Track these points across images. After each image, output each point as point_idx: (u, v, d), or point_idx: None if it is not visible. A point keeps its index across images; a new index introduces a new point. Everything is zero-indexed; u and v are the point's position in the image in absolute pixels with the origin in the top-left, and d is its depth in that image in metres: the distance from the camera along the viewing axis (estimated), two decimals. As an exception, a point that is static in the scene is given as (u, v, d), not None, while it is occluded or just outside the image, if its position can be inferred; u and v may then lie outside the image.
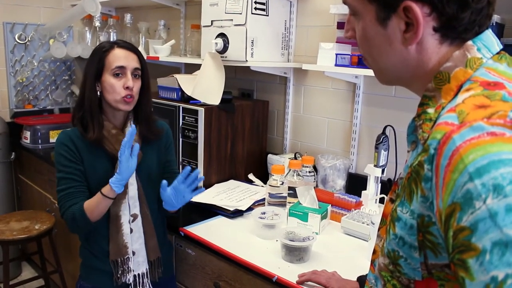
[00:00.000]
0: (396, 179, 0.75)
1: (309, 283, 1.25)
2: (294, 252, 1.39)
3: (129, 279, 1.47)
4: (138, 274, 1.49)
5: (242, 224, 1.69)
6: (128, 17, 2.91)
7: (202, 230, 1.62)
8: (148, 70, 1.49)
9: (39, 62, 3.16)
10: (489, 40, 0.64)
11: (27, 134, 2.90)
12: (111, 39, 2.97)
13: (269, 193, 1.75)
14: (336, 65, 1.78)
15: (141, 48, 2.71)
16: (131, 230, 1.46)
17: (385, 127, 1.70)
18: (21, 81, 3.11)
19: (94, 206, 1.38)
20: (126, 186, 1.43)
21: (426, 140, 0.60)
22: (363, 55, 0.73)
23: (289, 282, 1.28)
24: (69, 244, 2.59)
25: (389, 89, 1.87)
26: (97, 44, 2.99)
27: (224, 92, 2.01)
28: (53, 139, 2.93)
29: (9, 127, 2.97)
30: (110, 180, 1.36)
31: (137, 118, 1.50)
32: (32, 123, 2.92)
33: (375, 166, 1.71)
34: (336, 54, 1.78)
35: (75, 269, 2.55)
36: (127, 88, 1.40)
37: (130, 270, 1.47)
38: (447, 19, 0.62)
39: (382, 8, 0.65)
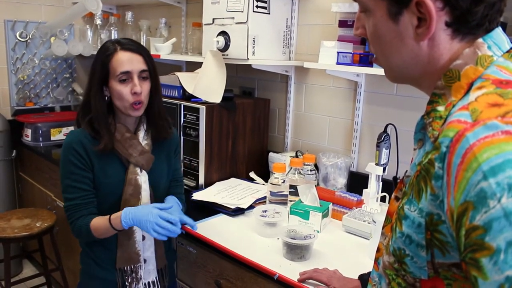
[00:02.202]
0: (402, 177, 0.75)
1: (310, 281, 1.25)
2: (296, 250, 1.39)
3: None
4: (148, 283, 1.46)
5: (243, 222, 1.69)
6: (129, 15, 2.91)
7: (203, 228, 1.61)
8: (156, 69, 1.42)
9: (40, 60, 3.16)
10: (499, 38, 0.64)
11: (28, 132, 2.91)
12: (113, 37, 2.97)
13: (270, 191, 1.75)
14: (337, 63, 1.78)
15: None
16: (143, 238, 1.44)
17: (387, 125, 1.70)
18: (22, 79, 3.11)
19: (102, 230, 1.34)
20: (139, 193, 1.41)
21: (436, 138, 0.59)
22: (373, 52, 0.73)
23: (291, 280, 1.28)
24: (70, 242, 2.59)
25: (391, 88, 1.87)
26: (98, 42, 3.02)
27: (226, 90, 2.01)
28: (54, 137, 2.93)
29: (10, 125, 2.97)
30: (123, 216, 1.30)
31: (149, 120, 1.46)
32: (33, 121, 2.92)
33: (376, 164, 1.71)
34: (338, 52, 1.78)
35: (76, 267, 2.55)
36: (135, 93, 1.34)
37: (141, 278, 1.44)
38: (460, 13, 0.61)
39: (394, 4, 0.64)
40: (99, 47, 3.12)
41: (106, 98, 1.38)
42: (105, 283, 1.44)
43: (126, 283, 1.43)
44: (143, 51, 1.38)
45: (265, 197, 1.82)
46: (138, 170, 1.41)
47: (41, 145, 2.89)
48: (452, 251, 0.57)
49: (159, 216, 1.30)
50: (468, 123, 0.54)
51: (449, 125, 0.57)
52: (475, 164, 0.51)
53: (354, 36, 1.85)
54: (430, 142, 0.64)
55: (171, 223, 1.31)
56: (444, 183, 0.56)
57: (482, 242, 0.49)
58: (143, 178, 1.43)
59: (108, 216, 1.34)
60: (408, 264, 0.64)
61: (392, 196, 0.77)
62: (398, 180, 0.77)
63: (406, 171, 0.72)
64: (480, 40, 0.63)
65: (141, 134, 1.45)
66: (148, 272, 1.46)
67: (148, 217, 1.29)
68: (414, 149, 0.71)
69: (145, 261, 1.45)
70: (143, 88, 1.36)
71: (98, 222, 1.34)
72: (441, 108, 0.64)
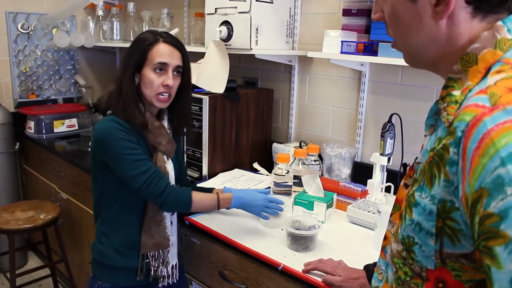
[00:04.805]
0: (411, 164, 0.74)
1: (315, 272, 1.24)
2: (300, 241, 1.38)
3: (165, 272, 1.46)
4: (172, 266, 1.49)
5: (247, 213, 1.68)
6: (131, 5, 2.89)
7: (207, 219, 1.61)
8: (190, 67, 1.46)
9: (42, 52, 3.14)
10: None
11: (31, 124, 2.90)
12: (115, 28, 2.96)
13: (274, 182, 1.74)
14: (341, 52, 1.76)
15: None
16: (171, 222, 1.47)
17: (391, 115, 1.68)
18: (24, 71, 3.10)
19: (204, 205, 1.47)
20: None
21: (451, 123, 0.57)
22: (392, 36, 0.71)
23: (295, 270, 1.27)
24: (74, 234, 2.59)
25: (395, 77, 1.85)
26: (100, 33, 3.01)
27: (229, 81, 1.99)
28: (57, 129, 2.93)
29: (13, 117, 2.97)
30: (234, 199, 1.48)
31: (174, 113, 1.49)
32: (36, 113, 2.92)
33: (381, 154, 1.69)
34: (342, 41, 1.76)
35: (80, 258, 2.57)
36: (166, 86, 1.37)
37: (168, 262, 1.47)
38: None
39: None
40: (101, 38, 3.10)
41: (136, 84, 1.39)
42: (124, 271, 1.44)
43: (152, 268, 1.44)
44: (182, 48, 1.42)
45: (269, 188, 1.81)
46: (165, 157, 1.44)
47: (44, 137, 2.88)
48: (464, 240, 0.56)
49: (269, 200, 1.50)
50: (486, 108, 0.52)
51: (465, 109, 0.55)
52: (492, 149, 0.49)
53: (359, 25, 1.84)
54: (443, 128, 0.62)
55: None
56: (459, 169, 0.54)
57: (497, 230, 0.48)
58: (169, 166, 1.46)
59: (215, 194, 1.48)
60: (416, 252, 0.63)
61: (401, 183, 0.75)
62: (408, 167, 0.76)
63: (416, 157, 0.70)
64: (499, 23, 0.61)
65: (165, 123, 1.48)
66: (173, 255, 1.49)
67: (257, 202, 1.49)
68: (425, 135, 0.70)
69: (171, 245, 1.48)
70: (174, 83, 1.40)
71: (202, 197, 1.46)
72: (456, 93, 0.62)
